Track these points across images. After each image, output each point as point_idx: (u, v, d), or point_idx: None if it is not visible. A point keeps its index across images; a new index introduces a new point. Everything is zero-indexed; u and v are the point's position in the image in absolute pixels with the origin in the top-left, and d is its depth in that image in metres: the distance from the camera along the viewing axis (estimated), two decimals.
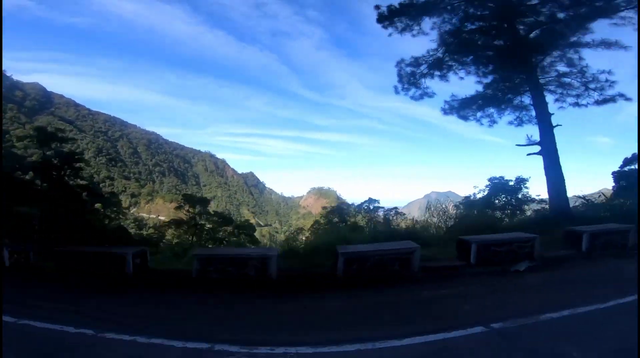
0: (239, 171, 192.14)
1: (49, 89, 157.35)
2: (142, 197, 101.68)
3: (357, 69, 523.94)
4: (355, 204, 26.85)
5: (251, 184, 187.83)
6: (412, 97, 10.86)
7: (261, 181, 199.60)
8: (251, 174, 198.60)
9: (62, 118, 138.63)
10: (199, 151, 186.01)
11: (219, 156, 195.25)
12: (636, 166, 14.65)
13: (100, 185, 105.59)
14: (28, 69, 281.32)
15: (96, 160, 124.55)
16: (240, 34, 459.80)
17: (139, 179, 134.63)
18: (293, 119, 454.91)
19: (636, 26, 8.75)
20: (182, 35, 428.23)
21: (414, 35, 10.01)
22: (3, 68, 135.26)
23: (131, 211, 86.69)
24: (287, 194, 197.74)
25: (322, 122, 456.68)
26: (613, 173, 16.93)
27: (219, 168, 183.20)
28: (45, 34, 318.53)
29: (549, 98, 10.39)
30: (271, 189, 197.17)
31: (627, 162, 15.69)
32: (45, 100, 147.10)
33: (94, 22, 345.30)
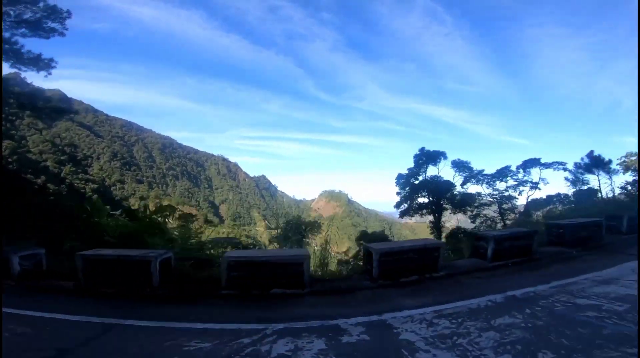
0: (251, 174, 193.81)
1: (70, 95, 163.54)
2: (150, 200, 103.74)
3: (374, 70, 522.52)
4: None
5: (263, 188, 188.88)
6: None
7: (273, 184, 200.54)
8: (263, 177, 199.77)
9: (80, 124, 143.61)
10: (212, 155, 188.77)
11: (232, 159, 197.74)
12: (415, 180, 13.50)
13: (112, 188, 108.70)
14: (53, 76, 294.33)
15: (111, 164, 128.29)
16: (256, 37, 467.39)
17: (152, 182, 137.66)
18: (310, 122, 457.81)
19: None
20: (200, 39, 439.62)
21: None
22: (23, 75, 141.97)
23: None
24: (299, 197, 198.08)
25: (339, 125, 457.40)
26: (398, 178, 15.03)
27: (231, 171, 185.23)
28: (68, 40, 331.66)
29: None
30: (283, 192, 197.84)
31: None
32: (65, 106, 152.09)
33: (115, 27, 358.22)
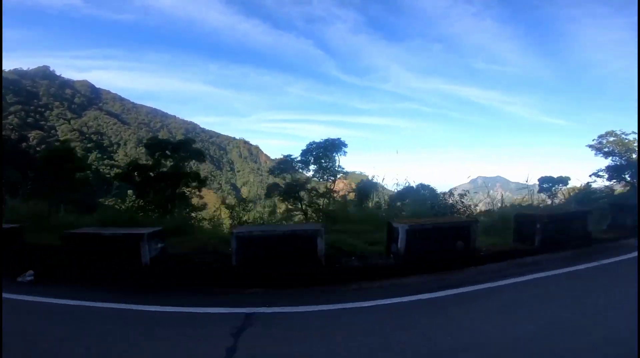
0: (272, 157, 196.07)
1: (98, 85, 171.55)
2: None
3: (398, 51, 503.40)
4: None
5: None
6: None
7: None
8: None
9: (108, 112, 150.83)
10: (234, 138, 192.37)
11: (254, 142, 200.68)
12: None
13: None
14: (85, 67, 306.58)
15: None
16: (275, 21, 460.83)
17: None
18: (334, 104, 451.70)
19: None
20: (220, 25, 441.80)
21: None
22: (52, 68, 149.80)
23: None
24: None
25: (363, 106, 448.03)
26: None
27: (252, 154, 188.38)
28: (95, 32, 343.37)
29: None
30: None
31: None
32: (94, 96, 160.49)
33: (138, 17, 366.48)
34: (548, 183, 22.67)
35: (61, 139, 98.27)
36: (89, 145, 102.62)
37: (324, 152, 22.48)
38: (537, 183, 24.05)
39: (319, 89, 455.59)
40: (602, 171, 23.00)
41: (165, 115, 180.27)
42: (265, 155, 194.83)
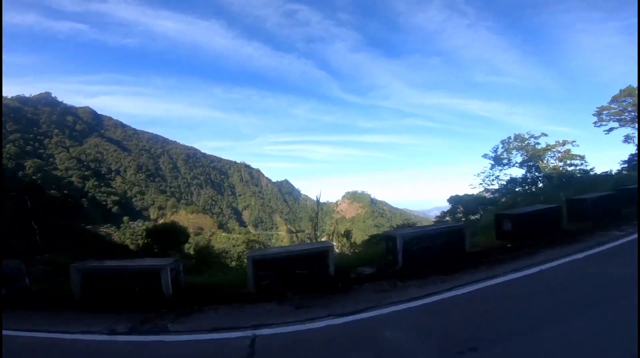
0: (274, 180, 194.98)
1: (101, 112, 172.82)
2: (168, 209, 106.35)
3: (397, 67, 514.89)
4: None
5: (285, 192, 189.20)
6: None
7: (296, 188, 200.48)
8: (286, 181, 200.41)
9: (109, 139, 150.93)
10: (235, 162, 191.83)
11: (257, 165, 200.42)
12: None
13: (133, 199, 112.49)
14: (91, 92, 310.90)
15: (136, 176, 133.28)
16: (276, 43, 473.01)
17: (176, 192, 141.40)
18: (336, 124, 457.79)
19: None
20: (223, 49, 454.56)
21: None
22: (54, 94, 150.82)
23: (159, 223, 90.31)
24: (322, 199, 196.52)
25: (366, 125, 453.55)
26: None
27: (253, 177, 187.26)
28: (101, 57, 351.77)
29: None
30: (306, 196, 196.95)
31: None
32: (95, 123, 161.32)
33: (143, 42, 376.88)
34: (459, 203, 19.29)
35: (59, 167, 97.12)
36: (86, 173, 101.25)
37: None
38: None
39: (321, 109, 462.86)
40: (501, 186, 19.64)
41: (166, 141, 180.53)
42: (266, 178, 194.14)
